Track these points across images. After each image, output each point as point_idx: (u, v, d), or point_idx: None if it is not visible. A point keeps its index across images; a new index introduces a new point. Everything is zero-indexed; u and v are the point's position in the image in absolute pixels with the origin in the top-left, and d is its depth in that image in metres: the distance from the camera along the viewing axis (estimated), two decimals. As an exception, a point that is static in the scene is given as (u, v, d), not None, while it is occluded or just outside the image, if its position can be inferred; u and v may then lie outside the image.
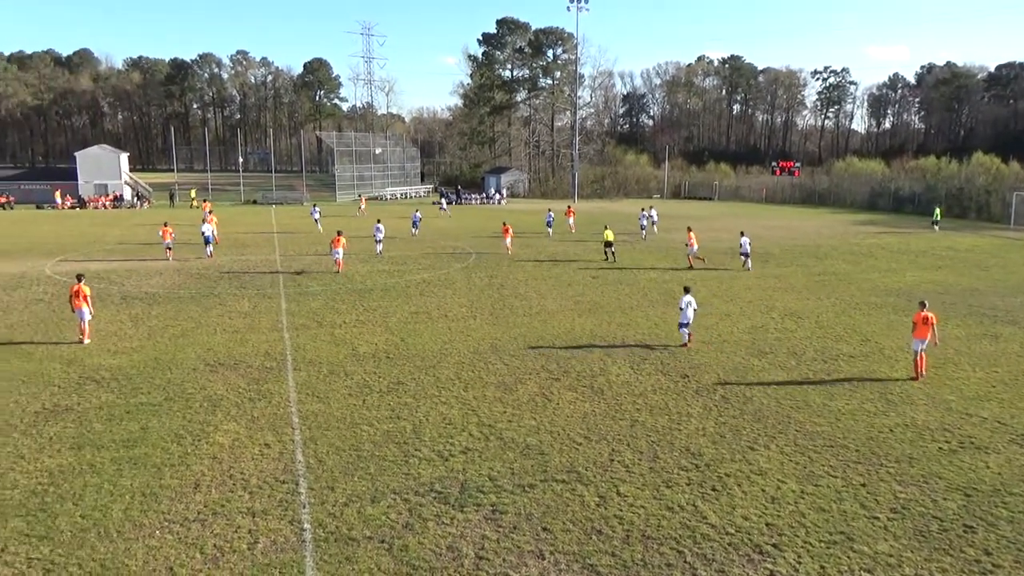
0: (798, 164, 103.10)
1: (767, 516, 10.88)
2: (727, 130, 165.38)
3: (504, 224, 41.70)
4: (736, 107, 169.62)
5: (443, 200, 69.52)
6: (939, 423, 14.51)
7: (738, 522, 10.70)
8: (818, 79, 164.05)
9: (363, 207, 64.81)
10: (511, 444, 13.29)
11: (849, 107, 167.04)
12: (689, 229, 37.15)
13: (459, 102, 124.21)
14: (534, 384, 16.60)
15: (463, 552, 9.84)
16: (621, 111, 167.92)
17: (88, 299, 20.30)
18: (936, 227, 52.79)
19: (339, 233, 32.80)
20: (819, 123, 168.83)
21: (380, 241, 37.44)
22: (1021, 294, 28.07)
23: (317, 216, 52.32)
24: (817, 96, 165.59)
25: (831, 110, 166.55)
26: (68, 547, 9.86)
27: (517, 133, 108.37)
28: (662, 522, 10.66)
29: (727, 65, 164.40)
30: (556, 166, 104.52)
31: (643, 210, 49.90)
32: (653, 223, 48.92)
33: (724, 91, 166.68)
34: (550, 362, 18.27)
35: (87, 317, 20.10)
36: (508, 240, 38.74)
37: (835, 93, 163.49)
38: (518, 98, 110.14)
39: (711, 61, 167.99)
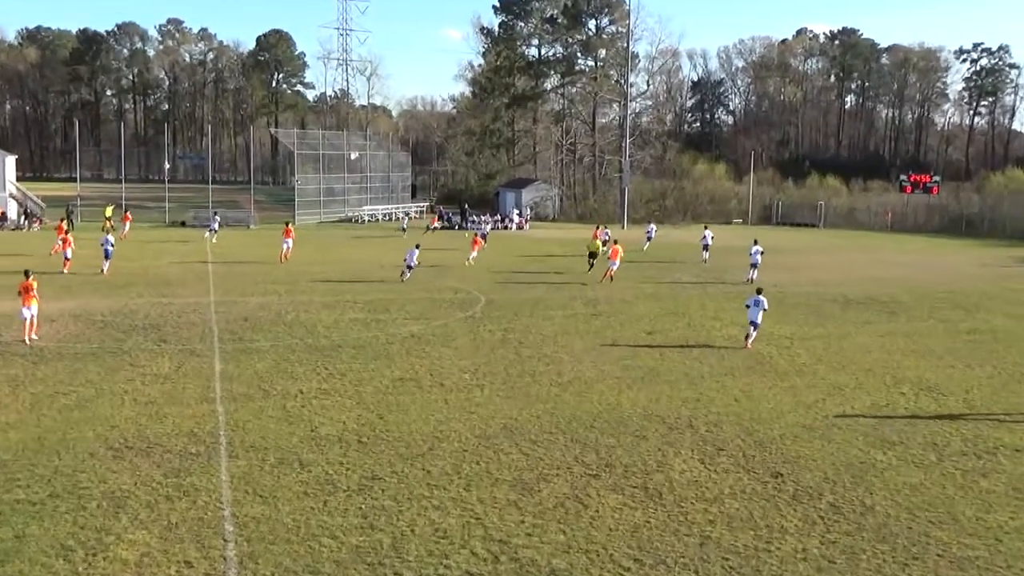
0: (937, 178, 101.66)
1: None
2: (837, 131, 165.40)
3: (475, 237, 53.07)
4: (850, 99, 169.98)
5: (437, 223, 70.95)
6: None
7: None
8: (965, 61, 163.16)
9: (436, 224, 73.45)
10: (530, 568, 13.05)
11: (1010, 99, 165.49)
12: (616, 242, 46.91)
13: (466, 90, 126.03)
14: (564, 482, 16.46)
15: None
16: (690, 104, 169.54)
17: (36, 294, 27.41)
18: None
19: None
20: (967, 122, 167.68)
21: (411, 267, 43.18)
22: None
23: (215, 227, 63.23)
24: (964, 84, 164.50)
25: (983, 104, 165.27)
26: None
27: (545, 133, 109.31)
28: None
29: (837, 42, 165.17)
30: (599, 178, 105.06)
31: (705, 228, 59.29)
32: (705, 247, 54.07)
33: (833, 77, 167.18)
34: (587, 451, 18.15)
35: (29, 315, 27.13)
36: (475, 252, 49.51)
37: (990, 80, 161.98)
38: (547, 85, 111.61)
39: (815, 36, 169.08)
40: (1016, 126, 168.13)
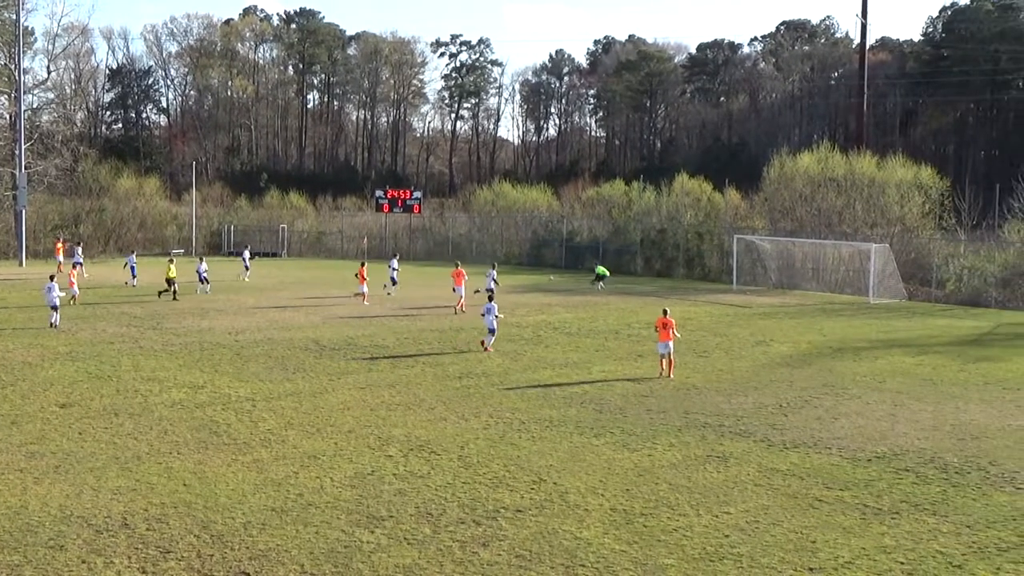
0: (418, 194, 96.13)
1: None
2: (299, 137, 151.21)
3: None
4: (313, 97, 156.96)
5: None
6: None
7: None
8: (443, 55, 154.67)
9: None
10: None
11: (494, 101, 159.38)
12: (362, 265, 50.77)
13: None
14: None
15: None
16: (108, 99, 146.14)
17: None
18: (600, 284, 57.28)
19: None
20: (448, 127, 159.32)
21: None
22: (753, 390, 29.37)
23: None
24: (444, 83, 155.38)
25: (466, 106, 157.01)
26: None
27: None
28: None
29: (294, 25, 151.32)
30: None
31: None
32: (391, 284, 54.17)
33: (291, 69, 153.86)
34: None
35: None
36: None
37: (471, 79, 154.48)
38: None
39: (267, 17, 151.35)
40: (502, 133, 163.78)
